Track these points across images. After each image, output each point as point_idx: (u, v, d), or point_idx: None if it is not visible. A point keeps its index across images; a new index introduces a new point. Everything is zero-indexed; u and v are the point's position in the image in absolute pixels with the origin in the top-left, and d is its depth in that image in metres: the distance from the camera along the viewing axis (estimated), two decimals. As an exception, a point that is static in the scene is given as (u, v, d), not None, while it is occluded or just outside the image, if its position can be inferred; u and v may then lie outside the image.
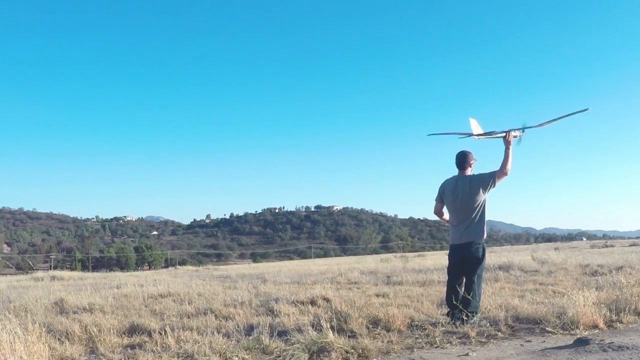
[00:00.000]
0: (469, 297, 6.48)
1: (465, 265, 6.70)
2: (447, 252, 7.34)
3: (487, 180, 6.63)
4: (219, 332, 6.16)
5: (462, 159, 6.82)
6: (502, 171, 6.59)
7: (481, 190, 6.62)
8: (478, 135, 6.86)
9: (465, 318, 6.33)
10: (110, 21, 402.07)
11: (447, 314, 6.65)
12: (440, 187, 7.00)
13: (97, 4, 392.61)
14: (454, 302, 6.50)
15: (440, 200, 7.01)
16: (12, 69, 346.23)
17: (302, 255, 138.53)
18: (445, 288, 7.05)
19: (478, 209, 6.64)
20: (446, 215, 7.07)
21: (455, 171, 6.97)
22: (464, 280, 6.73)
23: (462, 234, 6.73)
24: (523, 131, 6.88)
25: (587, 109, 6.65)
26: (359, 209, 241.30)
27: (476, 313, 6.48)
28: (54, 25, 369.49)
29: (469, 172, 6.84)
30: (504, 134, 6.64)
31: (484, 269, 7.00)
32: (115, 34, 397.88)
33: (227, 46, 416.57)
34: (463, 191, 6.67)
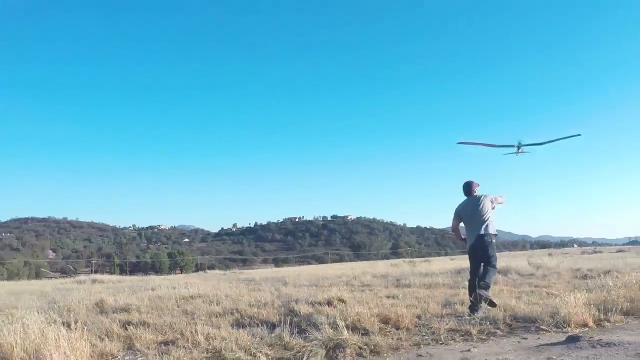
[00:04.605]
0: (484, 279, 7.25)
1: (482, 257, 7.51)
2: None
3: (492, 201, 7.82)
4: (244, 330, 6.23)
5: (468, 188, 7.96)
6: (499, 202, 7.94)
7: (490, 205, 7.76)
8: (497, 146, 7.20)
9: (478, 298, 7.01)
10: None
11: (469, 307, 7.17)
12: (457, 209, 7.97)
13: (107, 4, 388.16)
14: (475, 299, 7.11)
15: (458, 218, 7.95)
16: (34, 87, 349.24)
17: (320, 260, 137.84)
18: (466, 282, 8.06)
19: (488, 216, 7.66)
20: (460, 232, 8.06)
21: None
22: (482, 269, 7.53)
23: (478, 230, 7.58)
24: (520, 147, 7.08)
25: (578, 134, 7.05)
26: (371, 218, 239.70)
27: (489, 287, 7.23)
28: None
29: (476, 194, 7.91)
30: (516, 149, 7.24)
31: (496, 262, 7.60)
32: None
33: (260, 67, 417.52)
34: (478, 206, 7.70)
